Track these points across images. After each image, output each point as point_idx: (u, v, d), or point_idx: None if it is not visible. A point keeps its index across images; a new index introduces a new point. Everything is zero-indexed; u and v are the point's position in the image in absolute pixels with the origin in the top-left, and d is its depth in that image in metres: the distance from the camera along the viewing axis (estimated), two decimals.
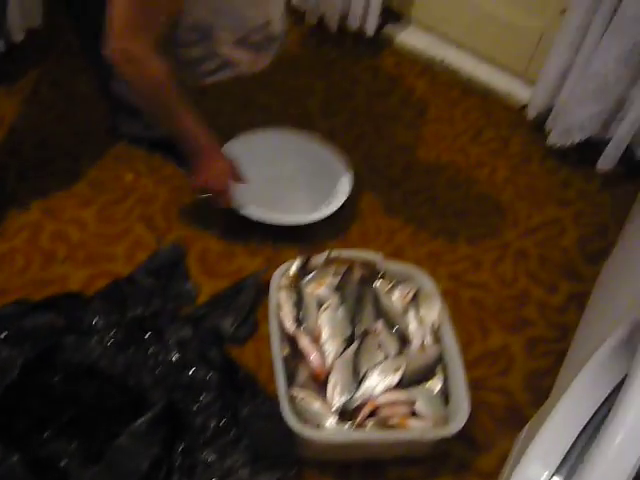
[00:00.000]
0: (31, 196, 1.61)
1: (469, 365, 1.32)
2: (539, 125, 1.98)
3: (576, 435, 0.97)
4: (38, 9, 1.91)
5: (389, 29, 2.22)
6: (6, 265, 1.48)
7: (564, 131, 1.87)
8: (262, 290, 1.46)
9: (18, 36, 1.83)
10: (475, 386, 1.33)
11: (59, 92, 1.85)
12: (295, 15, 2.20)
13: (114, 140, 1.75)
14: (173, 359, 1.31)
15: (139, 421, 1.15)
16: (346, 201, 1.63)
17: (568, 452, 0.97)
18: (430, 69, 2.16)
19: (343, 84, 2.07)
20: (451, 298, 1.55)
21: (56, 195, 1.63)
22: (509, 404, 1.43)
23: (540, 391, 1.43)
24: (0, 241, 1.51)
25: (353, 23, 2.14)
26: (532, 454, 0.98)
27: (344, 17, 2.15)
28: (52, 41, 1.96)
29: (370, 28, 2.13)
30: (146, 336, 1.34)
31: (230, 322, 1.42)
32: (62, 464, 1.20)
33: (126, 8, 1.06)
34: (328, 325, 1.31)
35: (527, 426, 1.26)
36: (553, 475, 0.96)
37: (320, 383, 1.26)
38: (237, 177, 1.51)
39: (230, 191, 1.50)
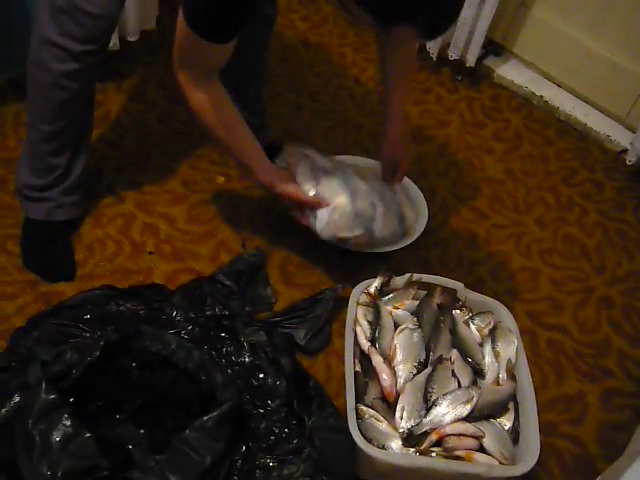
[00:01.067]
0: (126, 188, 1.67)
1: (541, 408, 1.28)
2: (637, 172, 1.92)
3: None
4: (154, 12, 2.00)
5: (490, 61, 2.21)
6: (97, 251, 1.54)
7: None
8: (339, 305, 1.47)
9: (133, 36, 1.91)
10: (546, 430, 1.30)
11: (164, 92, 1.92)
12: None
13: (210, 144, 1.80)
14: (245, 361, 1.33)
15: (207, 417, 1.16)
16: (429, 228, 1.62)
17: None
18: (527, 105, 2.14)
19: (438, 111, 2.07)
20: (528, 337, 1.52)
21: (150, 190, 1.69)
22: (579, 454, 1.38)
23: (613, 445, 1.38)
24: (94, 227, 1.58)
25: (454, 52, 2.14)
26: None
27: (445, 46, 2.16)
28: (163, 44, 2.03)
29: (471, 59, 2.13)
30: (222, 336, 1.37)
31: (304, 332, 1.43)
32: (128, 448, 1.24)
33: (175, 47, 1.26)
34: (403, 347, 1.30)
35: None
36: None
37: (388, 404, 1.25)
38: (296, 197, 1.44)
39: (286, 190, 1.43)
